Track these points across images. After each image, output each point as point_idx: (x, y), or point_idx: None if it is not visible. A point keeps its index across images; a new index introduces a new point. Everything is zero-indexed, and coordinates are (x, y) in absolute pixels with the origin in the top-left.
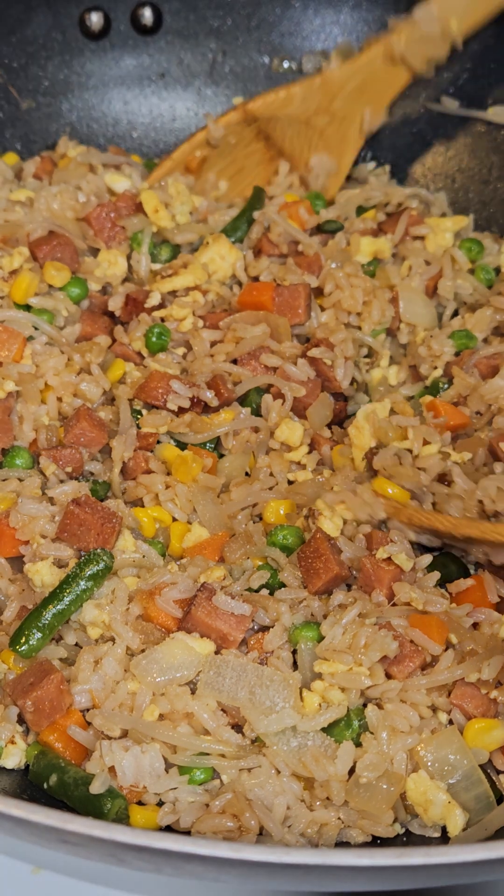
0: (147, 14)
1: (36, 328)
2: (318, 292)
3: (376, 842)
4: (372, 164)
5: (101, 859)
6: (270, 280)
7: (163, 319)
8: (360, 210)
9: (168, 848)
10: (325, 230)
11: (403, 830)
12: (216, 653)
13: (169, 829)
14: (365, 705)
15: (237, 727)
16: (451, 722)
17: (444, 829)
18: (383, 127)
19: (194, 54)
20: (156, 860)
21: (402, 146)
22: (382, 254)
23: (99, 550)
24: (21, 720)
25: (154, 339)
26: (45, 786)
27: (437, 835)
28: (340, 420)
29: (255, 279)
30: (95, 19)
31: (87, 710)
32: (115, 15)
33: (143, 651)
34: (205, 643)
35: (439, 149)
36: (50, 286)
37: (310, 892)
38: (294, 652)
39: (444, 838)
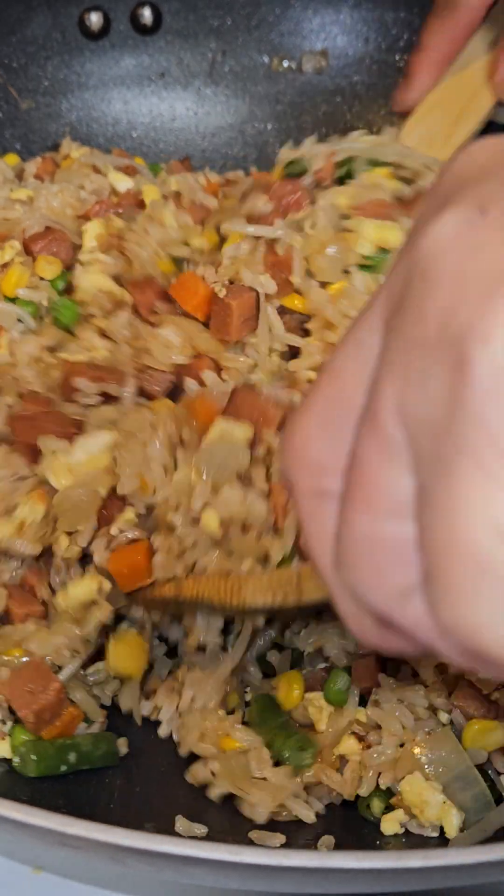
0: (147, 14)
1: (20, 320)
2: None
3: (376, 843)
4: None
5: (101, 861)
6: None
7: None
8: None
9: (168, 851)
10: (290, 173)
11: (403, 830)
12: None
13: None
14: (363, 704)
15: None
16: (451, 722)
17: (442, 829)
18: (384, 128)
19: (194, 54)
20: (156, 863)
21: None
22: (390, 243)
23: None
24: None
25: None
26: (64, 767)
27: (435, 834)
28: None
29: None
30: (95, 19)
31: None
32: (115, 15)
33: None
34: (245, 427)
35: None
36: (40, 278)
37: (310, 894)
38: None
39: (443, 837)
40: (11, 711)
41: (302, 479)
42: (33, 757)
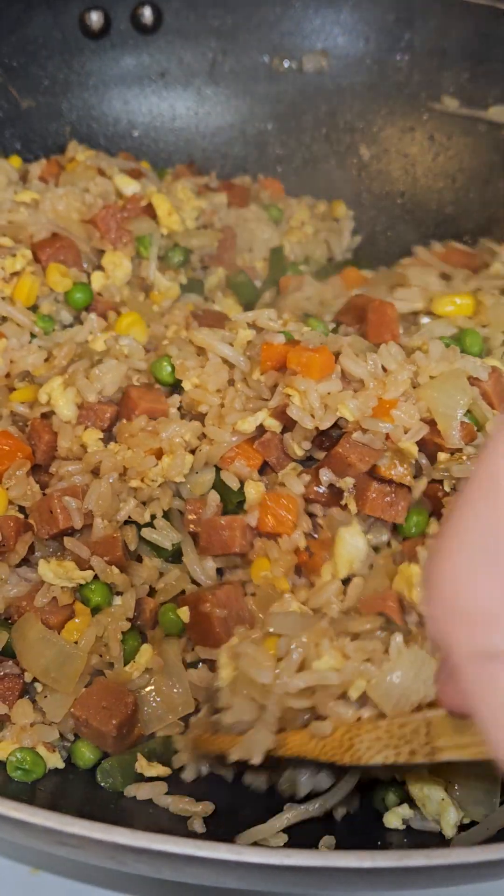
0: (147, 13)
1: (34, 335)
2: None
3: (377, 843)
4: None
5: (100, 861)
6: None
7: None
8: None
9: (167, 850)
10: None
11: (405, 826)
12: None
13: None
14: None
15: None
16: None
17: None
18: (384, 127)
19: (194, 54)
20: (155, 862)
21: (402, 146)
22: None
23: None
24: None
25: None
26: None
27: (437, 828)
28: None
29: None
30: (95, 18)
31: None
32: (115, 14)
33: None
34: None
35: (440, 148)
36: (51, 290)
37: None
38: None
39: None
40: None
41: (466, 639)
42: (119, 771)
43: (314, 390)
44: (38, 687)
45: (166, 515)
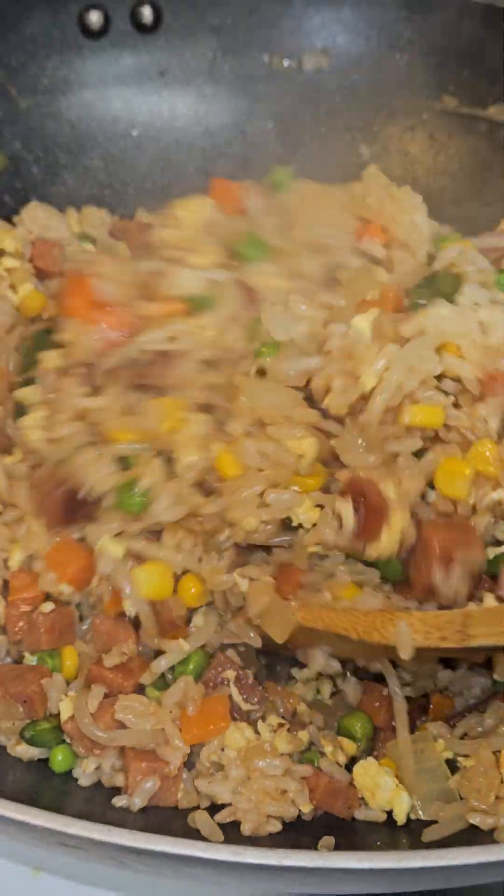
0: (146, 12)
1: None
2: None
3: (376, 843)
4: None
5: (101, 862)
6: None
7: None
8: None
9: (167, 850)
10: None
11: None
12: None
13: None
14: None
15: None
16: None
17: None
18: (384, 126)
19: (194, 53)
20: (155, 863)
21: (402, 145)
22: None
23: None
24: None
25: None
26: None
27: (382, 818)
28: None
29: None
30: (95, 18)
31: None
32: (115, 13)
33: None
34: None
35: (440, 147)
36: None
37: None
38: None
39: (391, 822)
40: None
41: None
42: None
43: None
44: None
45: None
